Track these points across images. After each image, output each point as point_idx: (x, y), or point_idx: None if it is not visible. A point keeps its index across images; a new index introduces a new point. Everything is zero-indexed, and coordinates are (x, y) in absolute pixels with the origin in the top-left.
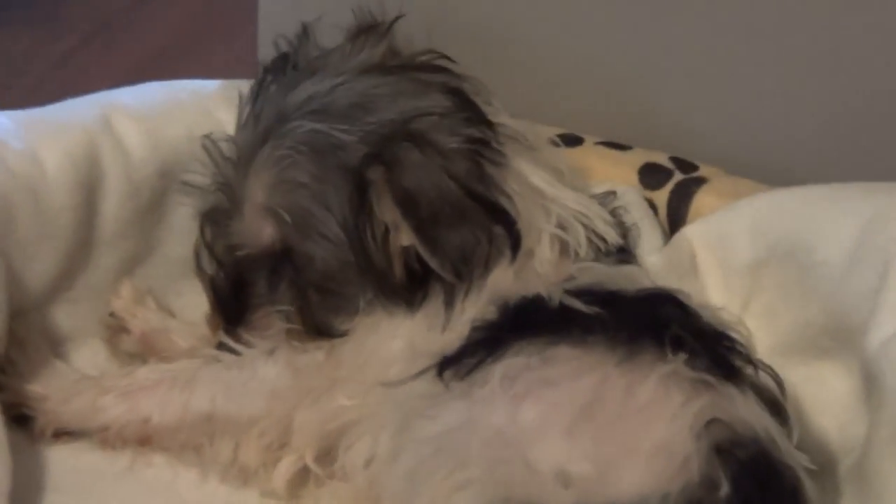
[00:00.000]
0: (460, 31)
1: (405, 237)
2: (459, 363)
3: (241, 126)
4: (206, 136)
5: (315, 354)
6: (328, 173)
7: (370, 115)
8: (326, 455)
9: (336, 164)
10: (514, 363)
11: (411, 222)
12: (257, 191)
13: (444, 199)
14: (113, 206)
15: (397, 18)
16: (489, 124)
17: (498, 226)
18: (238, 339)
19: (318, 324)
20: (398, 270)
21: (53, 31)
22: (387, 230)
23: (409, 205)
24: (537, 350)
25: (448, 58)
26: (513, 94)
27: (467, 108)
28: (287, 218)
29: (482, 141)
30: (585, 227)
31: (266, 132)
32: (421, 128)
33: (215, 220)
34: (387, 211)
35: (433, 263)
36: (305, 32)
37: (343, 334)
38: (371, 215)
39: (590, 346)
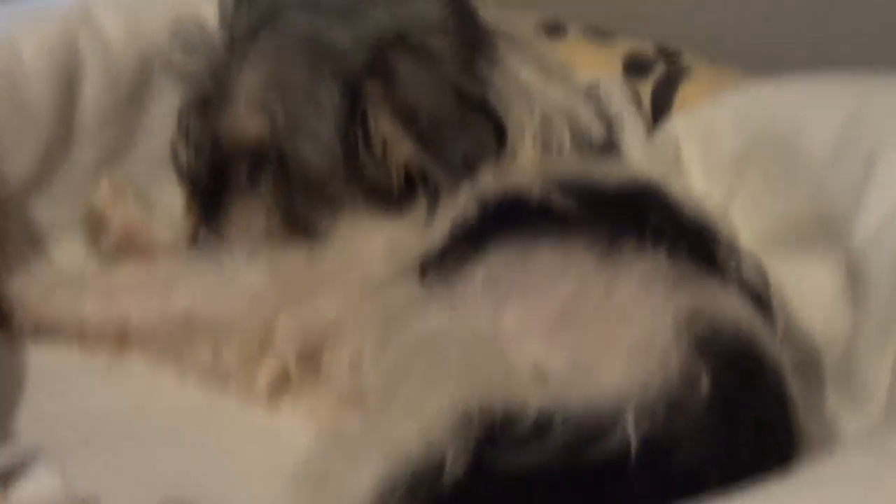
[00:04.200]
0: None
1: (406, 150)
2: (441, 263)
3: (231, 13)
4: (192, 23)
5: (297, 256)
6: (323, 76)
7: (364, 15)
8: (308, 358)
9: (331, 68)
10: (496, 264)
11: (412, 135)
12: (250, 83)
13: (443, 109)
14: (92, 96)
15: None
16: (481, 24)
17: (487, 125)
18: (218, 239)
19: (299, 219)
20: (397, 180)
21: None
22: (385, 142)
23: (408, 118)
24: (518, 250)
25: None
26: None
27: (459, 9)
28: (280, 114)
29: (475, 42)
30: (569, 120)
31: (260, 22)
32: (414, 33)
33: (199, 108)
34: (386, 125)
35: (437, 174)
36: None
37: (324, 235)
38: (365, 126)
39: (569, 244)
